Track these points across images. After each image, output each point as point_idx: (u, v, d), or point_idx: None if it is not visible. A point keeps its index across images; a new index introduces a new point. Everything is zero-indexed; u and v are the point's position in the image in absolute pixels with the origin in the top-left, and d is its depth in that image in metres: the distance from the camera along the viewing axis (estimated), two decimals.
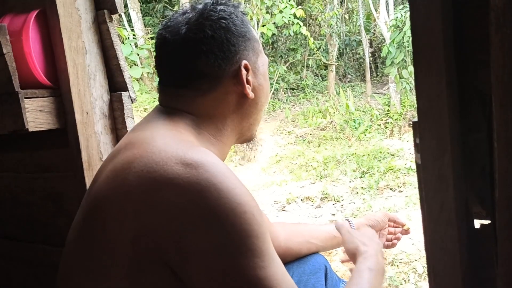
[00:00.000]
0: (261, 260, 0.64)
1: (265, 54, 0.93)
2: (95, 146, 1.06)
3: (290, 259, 1.13)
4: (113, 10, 1.08)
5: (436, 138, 0.62)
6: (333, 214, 4.26)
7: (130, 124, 1.09)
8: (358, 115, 7.99)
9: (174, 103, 0.83)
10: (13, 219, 1.36)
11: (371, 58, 12.06)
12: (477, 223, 0.70)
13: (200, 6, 0.84)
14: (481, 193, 0.68)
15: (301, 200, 4.73)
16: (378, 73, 12.56)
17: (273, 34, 8.68)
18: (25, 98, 0.97)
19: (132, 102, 1.10)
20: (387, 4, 9.67)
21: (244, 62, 0.82)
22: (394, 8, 9.58)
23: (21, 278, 1.39)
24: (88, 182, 1.05)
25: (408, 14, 8.28)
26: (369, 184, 4.88)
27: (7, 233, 1.39)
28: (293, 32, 8.93)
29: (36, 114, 0.99)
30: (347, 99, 8.42)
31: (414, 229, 3.66)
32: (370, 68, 11.57)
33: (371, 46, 12.16)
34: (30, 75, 1.00)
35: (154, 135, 0.73)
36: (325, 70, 11.53)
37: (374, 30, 12.19)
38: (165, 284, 0.66)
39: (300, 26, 8.08)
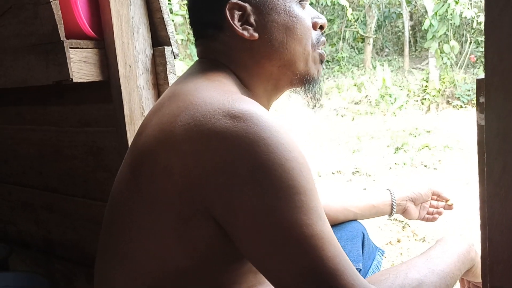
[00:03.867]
0: (308, 218, 0.61)
1: None
2: (137, 101, 1.05)
3: None
4: None
5: (504, 95, 0.58)
6: (365, 189, 4.21)
7: (172, 79, 1.08)
8: (394, 90, 7.79)
9: (202, 52, 0.84)
10: (55, 172, 1.39)
11: (411, 32, 11.66)
12: None
13: None
14: None
15: (332, 173, 4.69)
16: (417, 48, 12.16)
17: (311, 3, 8.47)
18: (70, 48, 0.96)
19: (174, 58, 1.08)
20: None
21: (231, 1, 0.77)
22: None
23: (60, 230, 1.43)
24: (129, 137, 1.04)
25: None
26: (402, 160, 4.79)
27: (49, 186, 1.42)
28: (331, 2, 8.72)
29: (81, 65, 0.98)
30: (384, 74, 8.21)
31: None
32: (409, 42, 11.21)
33: (411, 19, 11.74)
34: (75, 25, 0.99)
35: (198, 87, 0.71)
36: (362, 43, 11.24)
37: (415, 2, 11.74)
38: (212, 239, 0.65)
39: None
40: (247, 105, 0.65)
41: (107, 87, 1.08)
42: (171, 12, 7.76)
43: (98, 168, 1.25)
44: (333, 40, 10.86)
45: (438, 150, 5.05)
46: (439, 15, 7.98)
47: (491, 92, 0.60)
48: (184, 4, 8.65)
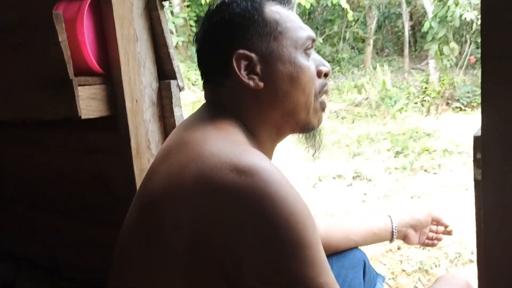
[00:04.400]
0: (313, 270, 0.64)
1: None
2: (144, 134, 1.08)
3: (329, 253, 1.14)
4: None
5: (501, 153, 0.60)
6: (365, 194, 4.24)
7: (177, 112, 1.10)
8: (394, 92, 7.81)
9: (209, 96, 0.87)
10: (61, 196, 1.41)
11: (410, 32, 11.67)
12: None
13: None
14: None
15: (333, 177, 4.72)
16: (416, 48, 12.17)
17: (311, 6, 8.49)
18: (78, 85, 0.99)
19: (180, 91, 1.10)
20: None
21: (238, 52, 0.80)
22: None
23: (67, 252, 1.45)
24: (136, 169, 1.07)
25: None
26: (403, 164, 4.82)
27: (56, 208, 1.44)
28: (331, 3, 8.74)
29: (89, 101, 1.01)
30: (384, 75, 8.23)
31: (449, 214, 3.62)
32: (409, 42, 11.22)
33: (411, 19, 11.75)
34: (83, 62, 1.01)
35: (205, 137, 0.73)
36: (362, 43, 11.25)
37: (415, 2, 11.74)
38: None
39: None
40: (253, 159, 0.67)
41: (113, 118, 1.10)
42: (172, 14, 7.77)
43: (105, 194, 1.28)
44: (333, 41, 10.87)
45: (437, 155, 5.07)
46: (439, 17, 7.99)
47: (489, 149, 0.62)
48: (185, 6, 8.67)
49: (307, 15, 11.18)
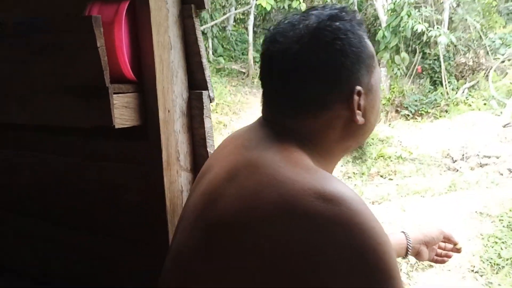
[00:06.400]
0: None
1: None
2: (174, 145, 1.03)
3: None
4: (200, 4, 1.03)
5: None
6: None
7: (208, 124, 1.06)
8: None
9: (281, 119, 0.80)
10: (58, 203, 1.33)
11: None
12: None
13: (312, 21, 0.77)
14: None
15: None
16: None
17: (271, 6, 8.56)
18: (113, 93, 0.93)
19: (210, 102, 1.07)
20: None
21: (357, 88, 0.77)
22: None
23: (61, 263, 1.37)
24: (166, 182, 1.02)
25: None
26: (361, 170, 4.97)
27: (51, 216, 1.36)
28: (288, 6, 8.84)
29: (122, 110, 0.95)
30: None
31: (409, 221, 3.77)
32: None
33: None
34: (117, 69, 0.96)
35: (276, 160, 0.71)
36: None
37: (366, 11, 12.12)
38: None
39: (300, 3, 7.98)
40: (337, 187, 0.67)
41: (140, 129, 1.04)
42: None
43: (111, 203, 1.21)
44: None
45: (392, 161, 5.28)
46: (392, 27, 8.31)
47: None
48: None
49: (262, 16, 11.28)
